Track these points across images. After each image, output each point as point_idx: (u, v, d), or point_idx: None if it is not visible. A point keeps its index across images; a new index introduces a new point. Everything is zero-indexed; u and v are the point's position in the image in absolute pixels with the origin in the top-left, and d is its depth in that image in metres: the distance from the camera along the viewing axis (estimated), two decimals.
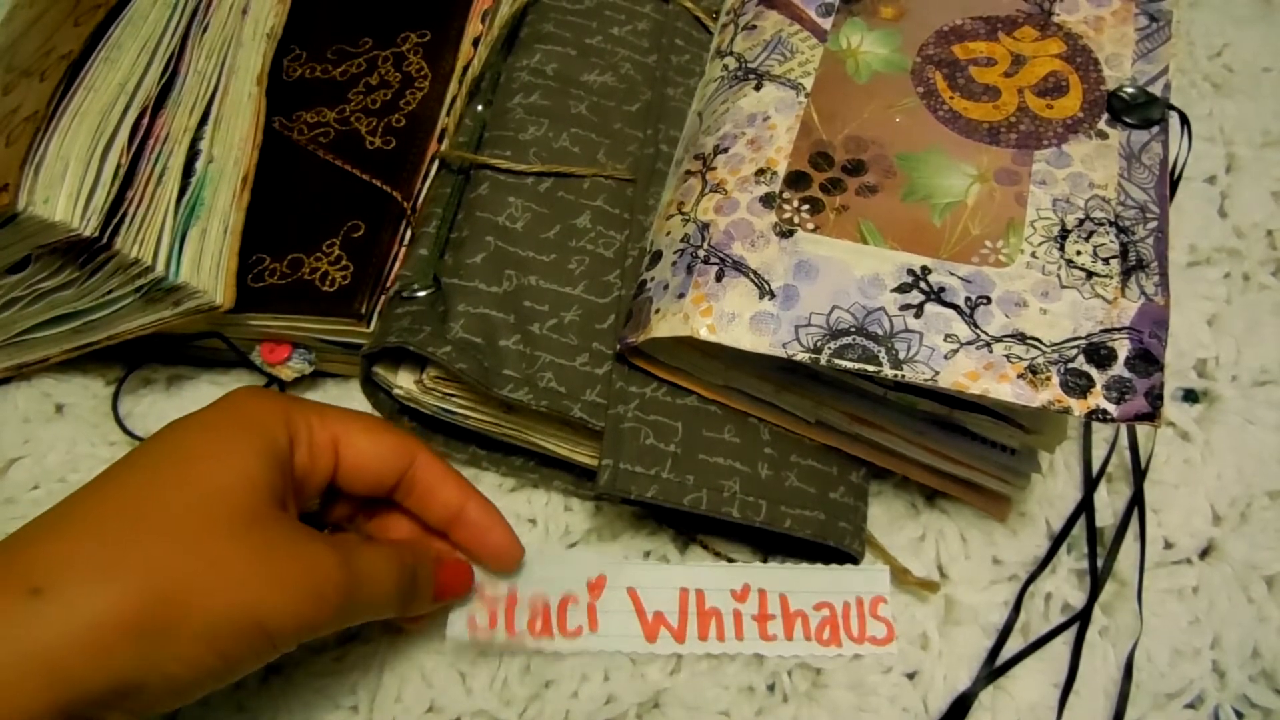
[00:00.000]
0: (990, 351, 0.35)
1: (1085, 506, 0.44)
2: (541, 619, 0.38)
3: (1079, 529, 0.43)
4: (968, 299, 0.36)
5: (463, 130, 0.46)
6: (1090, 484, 0.44)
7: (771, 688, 0.40)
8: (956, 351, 0.35)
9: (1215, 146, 0.55)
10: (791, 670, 0.40)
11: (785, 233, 0.38)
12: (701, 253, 0.39)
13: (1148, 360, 0.34)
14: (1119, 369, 0.34)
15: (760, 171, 0.40)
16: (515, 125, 0.45)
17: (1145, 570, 0.42)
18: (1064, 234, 0.37)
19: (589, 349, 0.40)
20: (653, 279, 0.40)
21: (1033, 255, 0.37)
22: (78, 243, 0.37)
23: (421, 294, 0.41)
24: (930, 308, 0.36)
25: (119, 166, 0.38)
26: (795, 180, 0.40)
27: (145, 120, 0.40)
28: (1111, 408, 0.33)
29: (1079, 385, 0.34)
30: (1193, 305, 0.49)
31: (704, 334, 0.37)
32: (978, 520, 0.43)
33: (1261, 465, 0.45)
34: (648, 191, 0.44)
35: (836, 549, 0.40)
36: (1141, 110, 0.40)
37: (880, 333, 0.36)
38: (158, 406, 0.45)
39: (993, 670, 0.40)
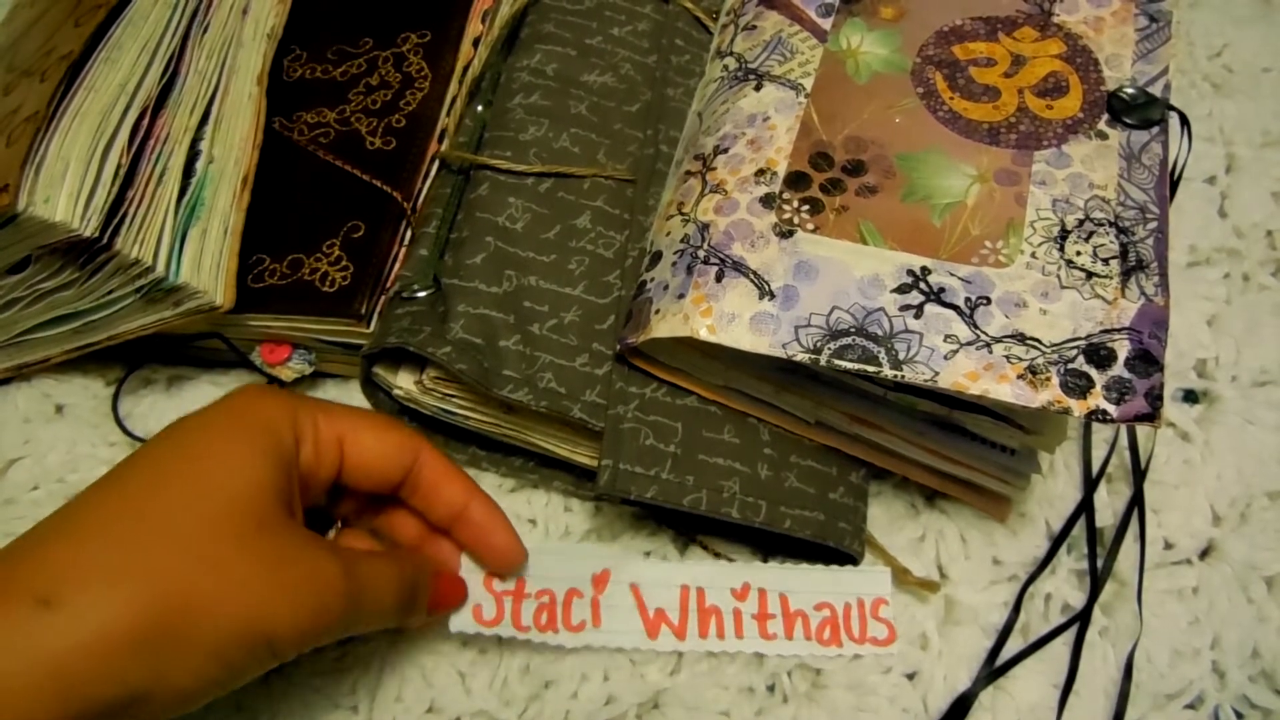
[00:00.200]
0: (990, 352, 0.35)
1: (1085, 507, 0.44)
2: (547, 613, 0.38)
3: (1079, 529, 0.43)
4: (967, 299, 0.36)
5: (463, 130, 0.46)
6: (1090, 484, 0.44)
7: (771, 688, 0.40)
8: (956, 352, 0.35)
9: (1215, 147, 0.55)
10: (791, 670, 0.40)
11: (785, 233, 0.38)
12: (701, 253, 0.39)
13: (1147, 361, 0.34)
14: (1119, 369, 0.34)
15: (760, 172, 0.40)
16: (515, 125, 0.45)
17: (1145, 570, 0.42)
18: (1064, 234, 0.37)
19: (589, 349, 0.41)
20: (653, 279, 0.40)
21: (1032, 256, 0.37)
22: (78, 243, 0.37)
23: (421, 294, 0.41)
24: (930, 308, 0.36)
25: (119, 167, 0.38)
26: (795, 181, 0.40)
27: (145, 120, 0.40)
28: (1111, 408, 0.33)
29: (1079, 386, 0.34)
30: (1193, 305, 0.49)
31: (704, 334, 0.37)
32: (978, 520, 0.43)
33: (1261, 465, 0.45)
34: (648, 192, 0.44)
35: (836, 549, 0.40)
36: (1141, 110, 0.40)
37: (880, 333, 0.36)
38: (158, 407, 0.45)
39: (993, 670, 0.40)
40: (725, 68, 0.46)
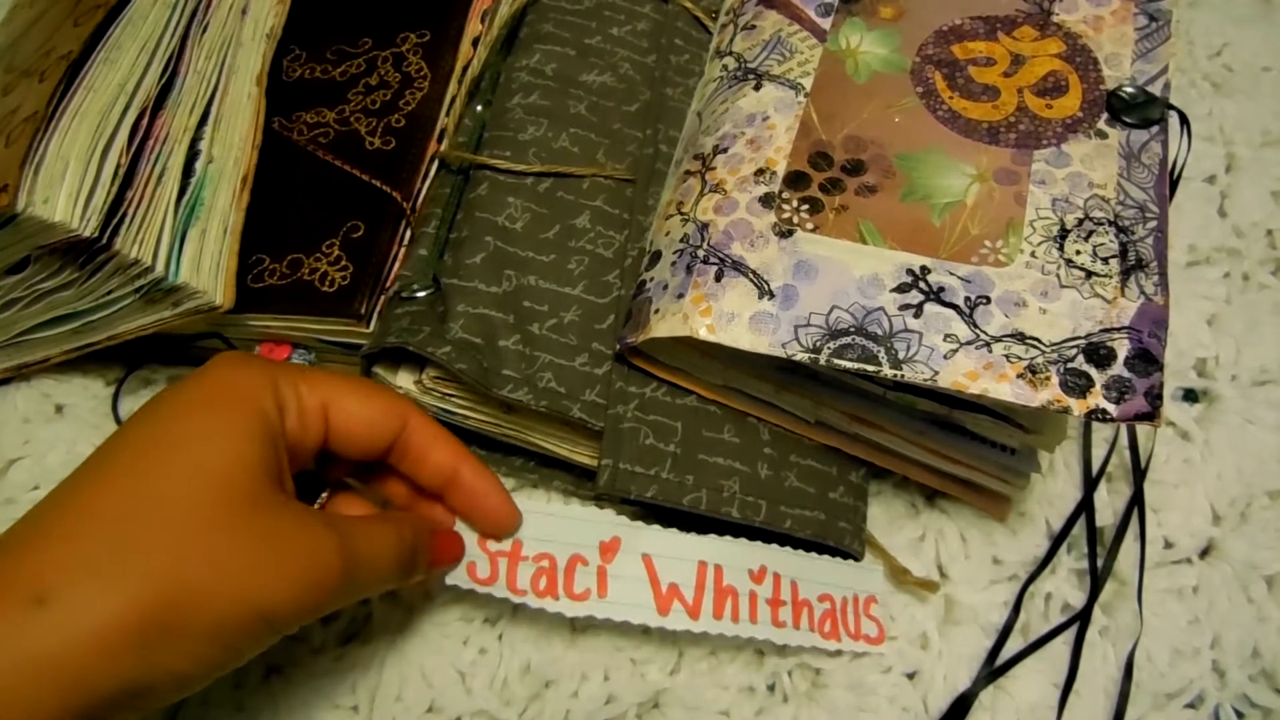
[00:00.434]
0: (989, 351, 0.35)
1: (1085, 506, 0.44)
2: (547, 578, 0.36)
3: (1079, 529, 0.43)
4: (967, 299, 0.36)
5: (462, 130, 0.46)
6: (1090, 484, 0.44)
7: (771, 687, 0.40)
8: (956, 351, 0.35)
9: (1215, 146, 0.55)
10: (791, 670, 0.40)
11: (784, 233, 0.38)
12: (701, 253, 0.39)
13: (1147, 360, 0.34)
14: (1118, 369, 0.34)
15: (759, 171, 0.40)
16: (515, 125, 0.45)
17: (1145, 570, 0.42)
18: (1063, 234, 0.37)
19: (588, 349, 0.40)
20: (652, 279, 0.40)
21: (1032, 255, 0.37)
22: (77, 243, 0.37)
23: (421, 294, 0.41)
24: (929, 307, 0.36)
25: (119, 167, 0.38)
26: (794, 180, 0.40)
27: (145, 120, 0.40)
28: (1111, 407, 0.33)
29: (1078, 385, 0.34)
30: (1192, 305, 0.49)
31: (703, 334, 0.37)
32: (978, 520, 0.43)
33: (1261, 465, 0.45)
34: (647, 191, 0.44)
35: (836, 549, 0.40)
36: (1141, 110, 0.40)
37: (879, 333, 0.36)
38: None
39: (993, 670, 0.40)
40: (724, 67, 0.46)
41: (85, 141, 0.37)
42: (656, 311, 0.39)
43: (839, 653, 0.40)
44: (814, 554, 0.40)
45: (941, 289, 0.36)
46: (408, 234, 0.45)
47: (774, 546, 0.39)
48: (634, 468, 0.38)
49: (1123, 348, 0.34)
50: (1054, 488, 0.44)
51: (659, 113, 0.47)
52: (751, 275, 0.38)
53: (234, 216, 0.42)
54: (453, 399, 0.40)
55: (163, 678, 0.27)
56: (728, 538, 0.38)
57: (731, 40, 0.47)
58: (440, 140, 0.48)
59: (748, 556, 0.38)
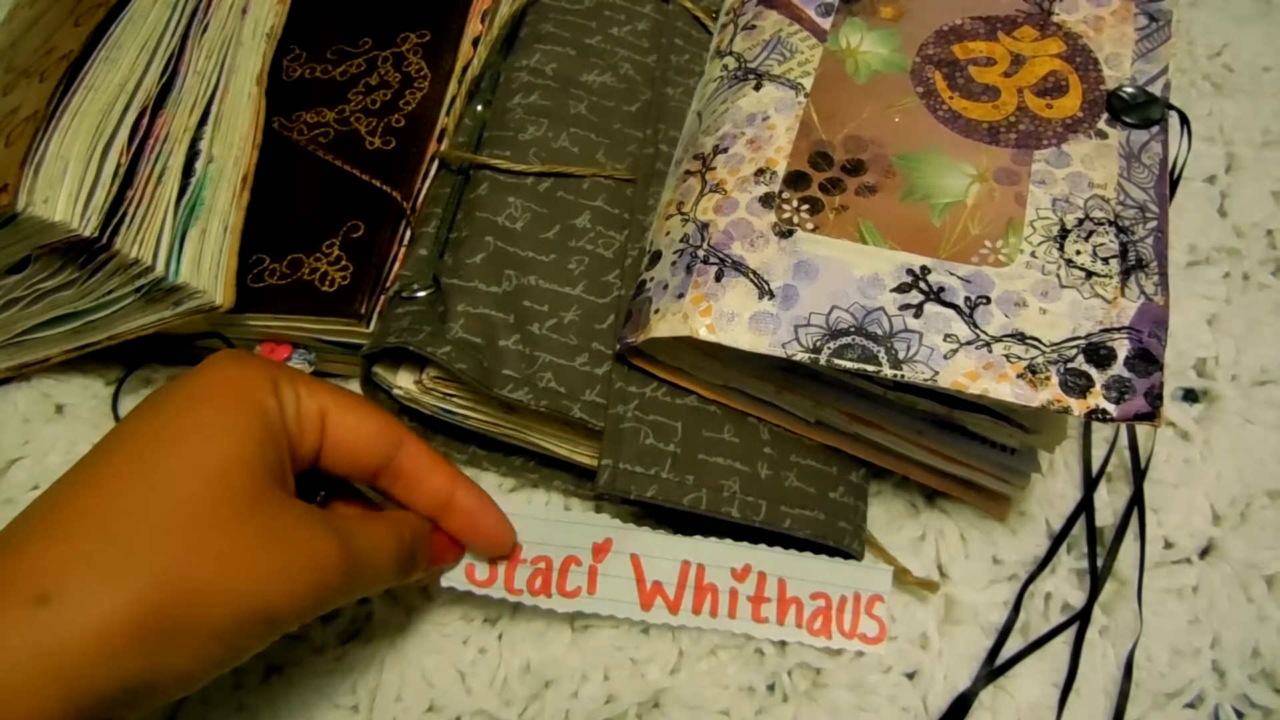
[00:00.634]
0: (990, 351, 0.35)
1: (1085, 506, 0.44)
2: (542, 578, 0.38)
3: (1079, 529, 0.43)
4: (967, 299, 0.36)
5: (462, 130, 0.46)
6: (1090, 484, 0.44)
7: (771, 687, 0.40)
8: (956, 351, 0.35)
9: (1215, 146, 0.55)
10: (791, 670, 0.40)
11: (785, 233, 0.38)
12: (701, 253, 0.39)
13: (1147, 360, 0.34)
14: (1118, 369, 0.34)
15: (760, 171, 0.40)
16: (515, 125, 0.45)
17: (1145, 570, 0.42)
18: (1063, 234, 0.37)
19: (589, 349, 0.41)
20: (652, 279, 0.40)
21: (1032, 255, 0.37)
22: (77, 243, 0.37)
23: (421, 294, 0.41)
24: (930, 307, 0.36)
25: (119, 166, 0.38)
26: (795, 180, 0.40)
27: (145, 120, 0.40)
28: (1111, 407, 0.33)
29: (1078, 385, 0.34)
30: (1192, 305, 0.49)
31: (703, 334, 0.37)
32: (978, 520, 0.43)
33: (1261, 465, 0.45)
34: (647, 191, 0.44)
35: (836, 549, 0.40)
36: (1141, 110, 0.40)
37: (880, 332, 0.36)
38: None
39: (993, 670, 0.40)
40: (725, 67, 0.46)
41: (85, 141, 0.37)
42: (656, 311, 0.39)
43: (838, 651, 0.40)
44: (810, 553, 0.40)
45: (941, 289, 0.36)
46: (408, 234, 0.45)
47: (761, 546, 0.39)
48: (634, 467, 0.38)
49: (1123, 348, 0.34)
50: (1054, 488, 0.44)
51: (659, 113, 0.47)
52: (751, 275, 0.38)
53: (234, 216, 0.42)
54: (453, 399, 0.40)
55: (165, 676, 0.27)
56: (712, 539, 0.39)
57: (731, 40, 0.47)
58: (440, 140, 0.48)
59: (731, 556, 0.39)
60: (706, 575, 0.39)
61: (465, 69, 0.50)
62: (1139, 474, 0.44)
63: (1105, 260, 0.36)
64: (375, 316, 0.43)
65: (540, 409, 0.39)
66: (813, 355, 0.36)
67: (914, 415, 0.39)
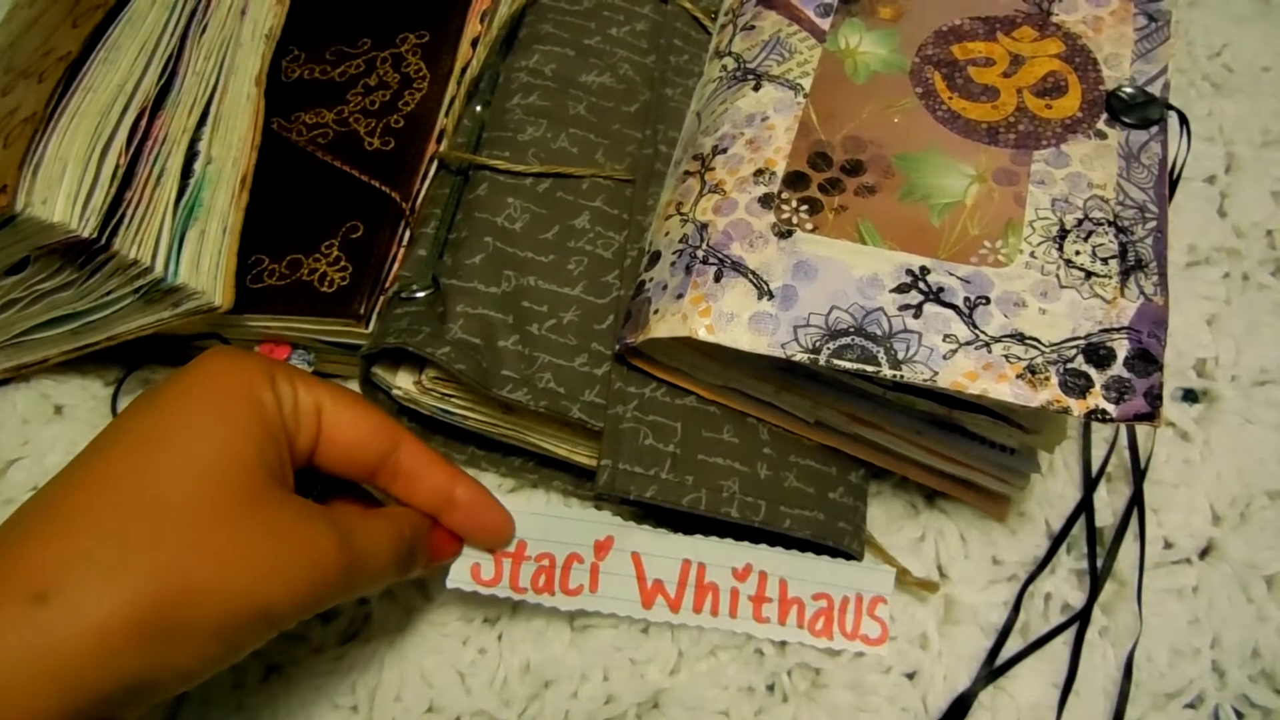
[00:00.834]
0: (989, 351, 0.35)
1: (1085, 506, 0.44)
2: (546, 575, 0.37)
3: (1079, 529, 0.43)
4: (966, 299, 0.36)
5: (461, 131, 0.46)
6: (1090, 484, 0.44)
7: (771, 687, 0.40)
8: (955, 352, 0.35)
9: (1215, 146, 0.55)
10: (791, 670, 0.40)
11: (784, 233, 0.38)
12: (700, 253, 0.39)
13: (1147, 360, 0.34)
14: (1118, 369, 0.34)
15: (759, 172, 0.40)
16: (514, 126, 0.45)
17: (1145, 570, 0.42)
18: (1063, 234, 0.37)
19: (588, 349, 0.40)
20: (651, 279, 0.40)
21: (1031, 255, 0.37)
22: (76, 244, 0.37)
23: (420, 295, 0.41)
24: (929, 308, 0.36)
25: (117, 167, 0.38)
26: (794, 180, 0.40)
27: (144, 121, 0.40)
28: (1110, 408, 0.33)
29: (1078, 385, 0.34)
30: (1192, 305, 0.49)
31: (702, 334, 0.37)
32: (977, 520, 0.43)
33: (1261, 465, 0.45)
34: (646, 192, 0.44)
35: (836, 549, 0.40)
36: (1140, 110, 0.40)
37: (879, 333, 0.36)
38: None
39: (992, 670, 0.40)
40: (724, 68, 0.46)
41: (84, 142, 0.37)
42: (656, 312, 0.39)
43: (838, 652, 0.40)
44: (811, 554, 0.40)
45: (941, 289, 0.36)
46: (407, 234, 0.45)
47: (763, 546, 0.39)
48: (633, 468, 0.38)
49: (1122, 348, 0.34)
50: (1054, 488, 0.44)
51: (658, 113, 0.47)
52: (751, 275, 0.38)
53: (233, 217, 0.42)
54: (452, 399, 0.40)
55: (164, 674, 0.27)
56: (714, 538, 0.39)
57: (731, 40, 0.47)
58: (439, 141, 0.48)
59: (733, 555, 0.39)
60: (708, 574, 0.39)
61: (464, 70, 0.50)
62: (1139, 474, 0.44)
63: (1105, 260, 0.36)
64: (374, 317, 0.43)
65: (539, 409, 0.39)
66: (812, 356, 0.36)
67: (913, 415, 0.39)
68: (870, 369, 0.35)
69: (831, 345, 0.36)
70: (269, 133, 0.47)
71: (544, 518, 0.38)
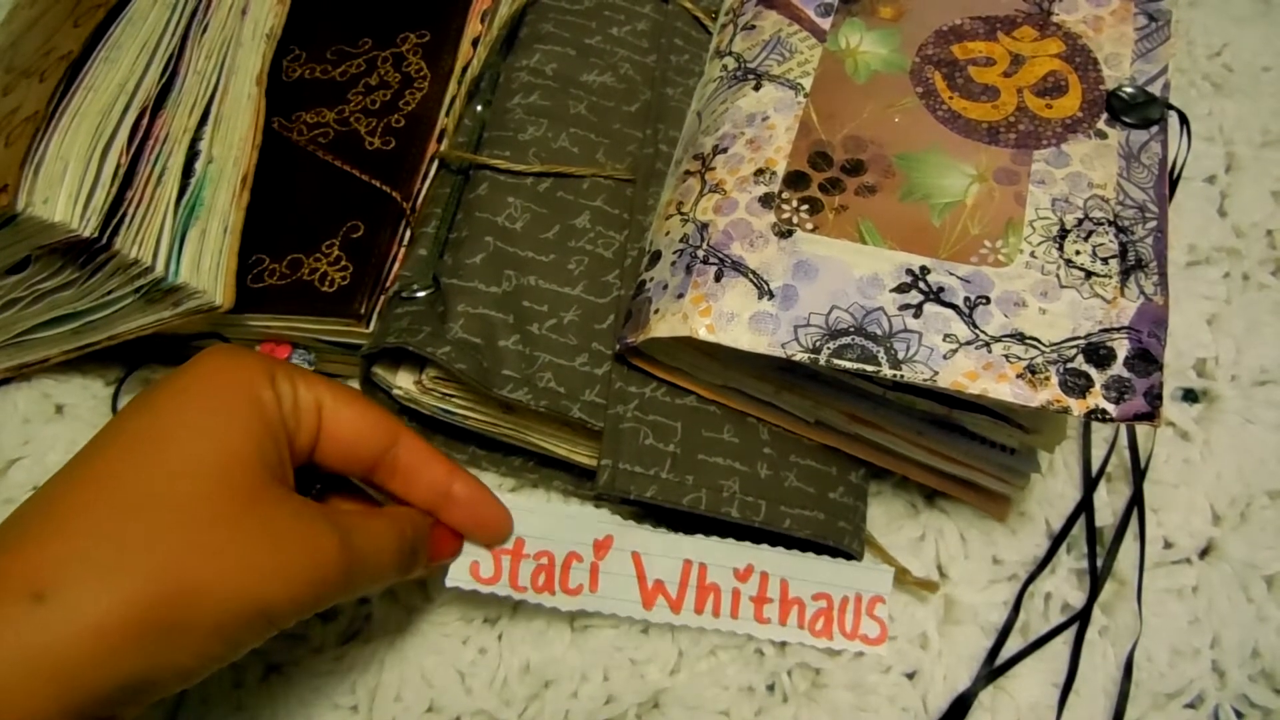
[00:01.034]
0: (989, 351, 0.35)
1: (1085, 506, 0.44)
2: (545, 574, 0.37)
3: (1079, 529, 0.43)
4: (967, 299, 0.36)
5: (462, 130, 0.46)
6: (1090, 484, 0.44)
7: (771, 687, 0.40)
8: (955, 351, 0.35)
9: (1215, 146, 0.55)
10: (791, 670, 0.40)
11: (784, 233, 0.38)
12: (700, 253, 0.39)
13: (1147, 360, 0.34)
14: (1118, 369, 0.34)
15: (759, 171, 0.40)
16: (514, 125, 0.45)
17: (1145, 570, 0.42)
18: (1063, 234, 0.37)
19: (588, 349, 0.41)
20: (652, 279, 0.40)
21: (1032, 255, 0.37)
22: (77, 243, 0.37)
23: (421, 294, 0.41)
24: (929, 307, 0.36)
25: (118, 167, 0.38)
26: (794, 180, 0.40)
27: (145, 120, 0.40)
28: (1110, 407, 0.33)
29: (1078, 385, 0.34)
30: (1192, 305, 0.49)
31: (703, 334, 0.37)
32: (977, 520, 0.43)
33: (1261, 465, 0.45)
34: (647, 191, 0.44)
35: (836, 549, 0.40)
36: (1141, 110, 0.40)
37: (879, 333, 0.36)
38: None
39: (992, 670, 0.40)
40: (724, 67, 0.46)
41: (85, 141, 0.37)
42: (656, 311, 0.39)
43: (838, 652, 0.40)
44: (812, 554, 0.40)
45: (941, 289, 0.36)
46: (407, 234, 0.45)
47: (764, 546, 0.39)
48: (633, 468, 0.38)
49: (1122, 348, 0.34)
50: (1054, 488, 0.44)
51: (659, 113, 0.47)
52: (751, 275, 0.38)
53: (234, 216, 0.42)
54: (452, 399, 0.40)
55: (163, 673, 0.27)
56: (715, 538, 0.39)
57: (731, 40, 0.47)
58: (440, 140, 0.48)
59: (734, 556, 0.39)
60: (709, 575, 0.39)
61: (465, 69, 0.50)
62: (1139, 474, 0.44)
63: (1105, 260, 0.36)
64: (375, 317, 0.43)
65: (540, 409, 0.39)
66: (812, 355, 0.36)
67: (914, 415, 0.39)
68: (870, 369, 0.35)
69: (832, 345, 0.36)
70: (270, 132, 0.47)
71: (543, 516, 0.38)
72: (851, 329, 0.36)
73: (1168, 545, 0.44)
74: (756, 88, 0.43)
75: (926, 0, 0.45)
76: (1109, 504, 0.44)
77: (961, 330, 0.35)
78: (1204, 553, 0.44)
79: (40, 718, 0.25)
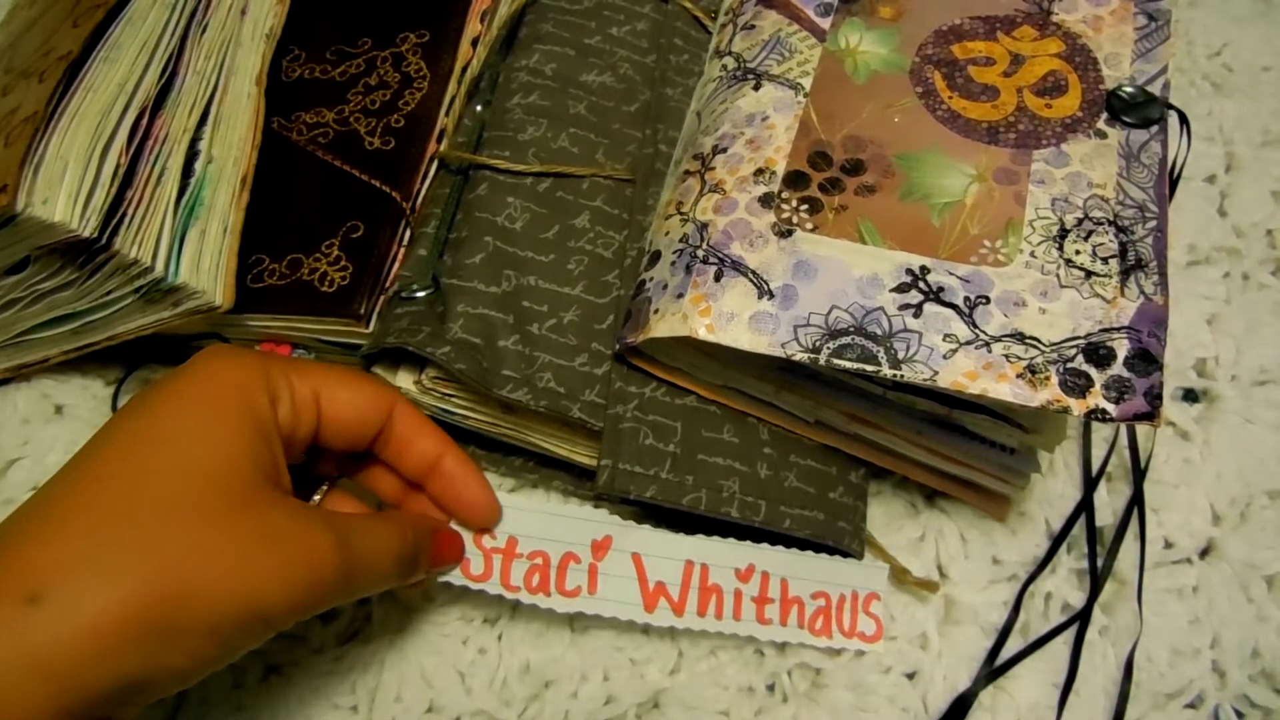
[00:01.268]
0: (989, 351, 0.35)
1: (1085, 506, 0.44)
2: (540, 575, 0.37)
3: (1079, 529, 0.43)
4: (966, 299, 0.36)
5: (461, 130, 0.46)
6: (1090, 484, 0.44)
7: (771, 687, 0.40)
8: (955, 351, 0.35)
9: (1215, 146, 0.55)
10: (791, 670, 0.40)
11: (784, 232, 0.38)
12: (700, 253, 0.39)
13: (1147, 360, 0.34)
14: (1118, 368, 0.34)
15: (759, 171, 0.40)
16: (514, 125, 0.45)
17: (1145, 570, 0.42)
18: (1063, 233, 0.37)
19: (588, 349, 0.40)
20: (651, 279, 0.40)
21: (1031, 255, 0.37)
22: (77, 243, 0.37)
23: (420, 294, 0.41)
24: (929, 307, 0.36)
25: (118, 167, 0.38)
26: (794, 180, 0.40)
27: (144, 120, 0.40)
28: (1110, 407, 0.33)
29: (1078, 385, 0.34)
30: (1192, 305, 0.49)
31: (702, 334, 0.37)
32: (977, 520, 0.43)
33: (1261, 465, 0.45)
34: (646, 191, 0.44)
35: (835, 549, 0.40)
36: (1140, 109, 0.40)
37: (879, 332, 0.36)
38: None
39: (993, 670, 0.40)
40: (724, 67, 0.46)
41: (85, 142, 0.37)
42: (656, 311, 0.39)
43: (838, 651, 0.40)
44: (811, 552, 0.40)
45: (941, 289, 0.36)
46: (407, 234, 0.45)
47: (764, 546, 0.39)
48: (633, 468, 0.38)
49: (1122, 347, 0.34)
50: (1054, 488, 0.44)
51: (658, 113, 0.47)
52: (751, 275, 0.38)
53: (233, 216, 0.42)
54: (452, 399, 0.40)
55: (159, 674, 0.27)
56: (715, 538, 0.39)
57: (731, 40, 0.47)
58: (440, 140, 0.48)
59: (735, 555, 0.39)
60: (711, 576, 0.39)
61: (465, 69, 0.50)
62: (1139, 474, 0.44)
63: (1105, 260, 0.36)
64: (375, 317, 0.43)
65: (540, 409, 0.39)
66: (812, 355, 0.36)
67: (913, 415, 0.39)
68: (870, 368, 0.35)
69: (831, 345, 0.36)
70: (269, 132, 0.47)
71: (537, 515, 0.38)
72: (851, 329, 0.36)
73: (1168, 545, 0.44)
74: (756, 87, 0.43)
75: (926, 0, 0.45)
76: (1109, 504, 0.44)
77: (961, 330, 0.35)
78: (1204, 553, 0.44)
79: (36, 718, 0.25)
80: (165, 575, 0.27)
